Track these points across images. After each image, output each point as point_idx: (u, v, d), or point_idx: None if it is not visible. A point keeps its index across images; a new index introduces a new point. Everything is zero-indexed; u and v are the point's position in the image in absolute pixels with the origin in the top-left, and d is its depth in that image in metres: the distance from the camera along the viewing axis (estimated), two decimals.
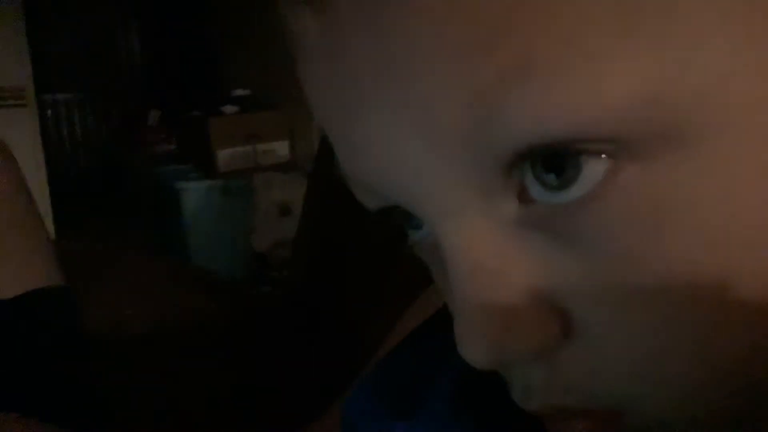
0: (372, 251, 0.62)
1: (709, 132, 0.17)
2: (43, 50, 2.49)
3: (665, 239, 0.17)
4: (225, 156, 2.06)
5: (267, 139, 2.09)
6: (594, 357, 0.20)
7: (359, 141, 0.20)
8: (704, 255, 0.17)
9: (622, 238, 0.18)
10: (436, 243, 0.21)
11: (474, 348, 0.20)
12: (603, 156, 0.17)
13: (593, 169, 0.17)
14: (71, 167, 3.09)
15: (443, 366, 0.28)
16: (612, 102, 0.16)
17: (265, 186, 1.96)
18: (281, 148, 2.13)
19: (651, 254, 0.18)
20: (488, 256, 0.20)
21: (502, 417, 0.24)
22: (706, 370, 0.19)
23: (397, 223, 0.23)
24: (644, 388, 0.20)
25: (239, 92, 2.20)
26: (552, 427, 0.22)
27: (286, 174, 2.02)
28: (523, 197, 0.19)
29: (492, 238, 0.19)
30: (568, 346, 0.20)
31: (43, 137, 2.40)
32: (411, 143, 0.19)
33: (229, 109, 2.11)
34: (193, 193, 2.03)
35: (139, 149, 2.50)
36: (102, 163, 3.00)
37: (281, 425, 0.50)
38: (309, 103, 0.22)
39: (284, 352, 0.60)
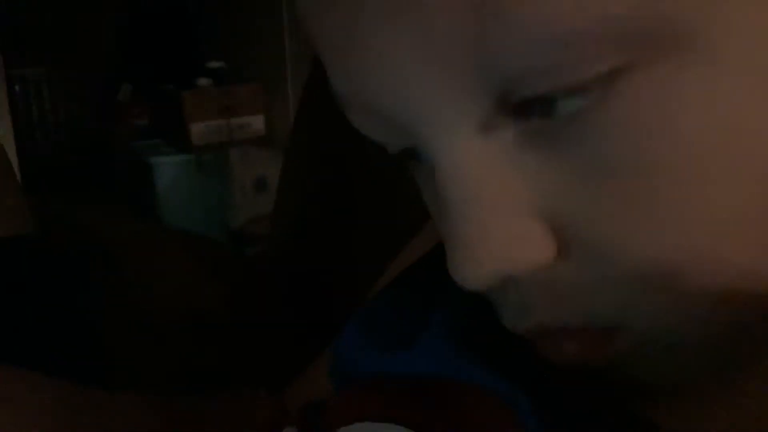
0: (350, 224, 0.61)
1: (707, 34, 0.16)
2: (11, 24, 2.43)
3: (665, 144, 0.17)
4: (199, 130, 2.03)
5: (242, 113, 2.07)
6: (590, 272, 0.20)
7: (358, 60, 0.19)
8: (704, 160, 0.17)
9: (622, 146, 0.17)
10: (432, 167, 0.21)
11: (469, 268, 0.20)
12: (603, 66, 0.17)
13: (592, 80, 0.17)
14: (41, 143, 3.03)
15: (437, 300, 0.27)
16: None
17: (240, 161, 1.94)
18: (257, 123, 2.10)
19: (651, 161, 0.17)
20: (484, 175, 0.19)
21: (498, 348, 0.23)
22: (705, 281, 0.19)
23: (394, 153, 0.23)
24: (641, 302, 0.20)
25: (214, 64, 2.16)
26: (543, 350, 0.22)
27: (262, 149, 2.00)
28: (520, 115, 0.19)
29: (488, 156, 0.19)
30: (564, 263, 0.20)
31: (12, 113, 2.35)
32: (411, 59, 0.18)
33: (203, 81, 2.08)
34: (166, 167, 2.01)
35: (111, 124, 2.46)
36: (73, 139, 2.95)
37: (267, 380, 0.50)
38: (306, 31, 0.21)
39: (267, 313, 0.60)
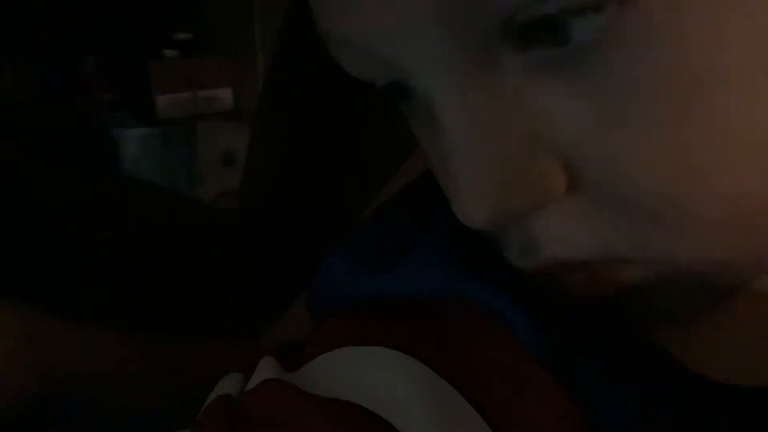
0: (321, 193, 0.60)
1: None
2: None
3: (684, 62, 0.16)
4: (165, 102, 2.00)
5: (210, 86, 2.04)
6: (602, 206, 0.19)
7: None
8: (720, 90, 0.17)
9: (641, 67, 0.17)
10: (428, 105, 0.20)
11: (476, 208, 0.19)
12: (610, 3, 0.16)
13: (601, 16, 0.16)
14: (2, 115, 2.96)
15: (426, 223, 0.26)
16: None
17: (207, 134, 1.91)
18: (225, 96, 2.07)
19: (670, 81, 0.17)
20: (488, 110, 0.18)
21: (492, 267, 0.23)
22: (720, 210, 0.18)
23: (383, 91, 0.22)
24: (653, 234, 0.19)
25: (180, 36, 2.12)
26: (551, 283, 0.22)
27: (230, 122, 1.97)
28: (526, 44, 0.18)
29: (492, 90, 0.18)
30: (574, 197, 0.19)
31: None
32: None
33: (169, 53, 2.04)
34: (131, 141, 1.98)
35: (73, 96, 2.40)
36: (36, 112, 2.89)
37: (244, 327, 0.50)
38: None
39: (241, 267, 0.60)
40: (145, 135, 1.99)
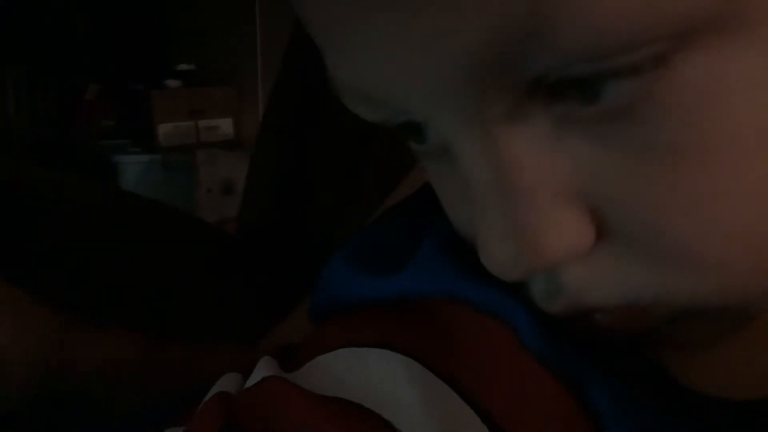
0: (317, 223, 0.61)
1: (756, 15, 0.16)
2: None
3: (716, 126, 0.17)
4: (166, 130, 2.01)
5: (211, 116, 2.05)
6: (630, 256, 0.19)
7: (365, 46, 0.18)
8: (755, 143, 0.17)
9: (672, 129, 0.17)
10: (448, 152, 0.20)
11: (505, 260, 0.19)
12: (658, 47, 0.16)
13: (644, 61, 0.16)
14: (5, 141, 2.97)
15: (427, 230, 0.26)
16: None
17: (207, 162, 1.92)
18: (225, 125, 2.08)
19: (701, 144, 0.17)
20: (518, 165, 0.18)
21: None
22: (747, 261, 0.18)
23: (395, 134, 0.22)
24: (681, 282, 0.19)
25: (183, 66, 2.15)
26: (575, 326, 0.21)
27: (230, 151, 1.98)
28: (556, 99, 0.18)
29: (521, 146, 0.18)
30: (603, 246, 0.19)
31: None
32: (430, 53, 0.17)
33: (172, 83, 2.06)
34: (132, 167, 1.98)
35: (77, 124, 2.42)
36: (38, 138, 2.89)
37: (244, 332, 0.50)
38: (303, 18, 0.20)
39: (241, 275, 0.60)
40: (145, 162, 1.99)
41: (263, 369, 0.23)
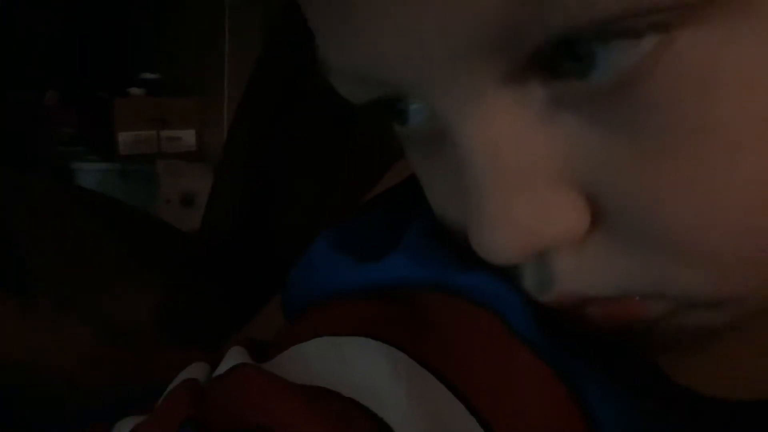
0: (285, 237, 0.60)
1: None
2: None
3: (715, 108, 0.16)
4: (127, 139, 1.98)
5: (173, 126, 2.03)
6: (625, 242, 0.19)
7: (362, 18, 0.17)
8: (751, 130, 0.16)
9: (670, 109, 0.16)
10: (437, 135, 0.20)
11: (497, 244, 0.18)
12: (651, 33, 0.15)
13: (637, 48, 0.16)
14: None
15: (411, 220, 0.25)
16: None
17: (168, 173, 1.89)
18: (188, 137, 2.06)
19: (699, 126, 0.16)
20: (513, 143, 0.18)
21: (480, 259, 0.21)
22: (743, 251, 0.18)
23: (379, 116, 0.21)
24: (677, 272, 0.19)
25: (148, 75, 2.12)
26: (568, 318, 0.21)
27: (191, 163, 1.96)
28: (553, 79, 0.17)
29: (516, 123, 0.18)
30: (597, 232, 0.19)
31: None
32: (431, 18, 0.16)
33: (135, 91, 2.03)
34: (90, 175, 1.94)
35: (35, 130, 2.37)
36: None
37: (207, 335, 0.48)
38: None
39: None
40: (104, 170, 1.96)
41: (233, 357, 0.22)
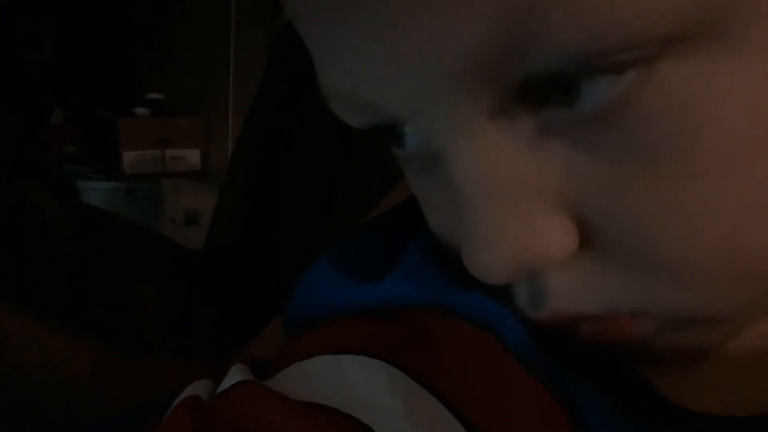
0: (288, 255, 0.61)
1: (740, 24, 0.16)
2: None
3: (698, 135, 0.17)
4: (132, 158, 1.99)
5: (178, 146, 2.04)
6: (614, 263, 0.19)
7: (355, 47, 0.18)
8: (738, 152, 0.17)
9: (653, 137, 0.17)
10: (433, 158, 0.20)
11: (488, 264, 0.19)
12: (640, 52, 0.16)
13: (621, 80, 0.16)
14: None
15: (410, 241, 0.26)
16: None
17: (172, 192, 1.90)
18: (192, 156, 2.07)
19: (683, 152, 0.17)
20: (503, 168, 0.19)
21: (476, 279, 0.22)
22: (729, 270, 0.18)
23: (378, 139, 0.22)
24: (666, 292, 0.19)
25: (153, 95, 2.13)
26: (558, 336, 0.21)
27: (195, 182, 1.96)
28: (541, 108, 0.18)
29: (506, 150, 0.18)
30: (586, 253, 0.19)
31: None
32: (421, 51, 0.17)
33: (140, 111, 2.04)
34: (95, 193, 1.95)
35: (41, 149, 2.38)
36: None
37: (210, 353, 0.49)
38: (291, 16, 0.20)
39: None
40: (109, 189, 1.96)
41: (236, 375, 0.22)
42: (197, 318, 0.55)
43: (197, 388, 0.23)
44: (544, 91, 0.18)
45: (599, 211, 0.19)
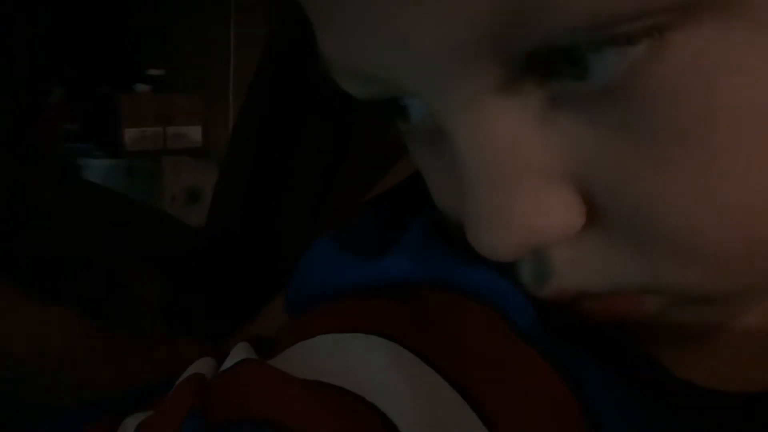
0: (290, 234, 0.61)
1: None
2: None
3: (709, 108, 0.16)
4: (133, 135, 1.98)
5: (179, 123, 2.03)
6: (620, 240, 0.19)
7: (359, 20, 0.17)
8: (749, 127, 0.17)
9: (664, 110, 0.16)
10: (438, 132, 0.20)
11: (494, 240, 0.19)
12: (649, 20, 0.15)
13: (631, 51, 0.16)
14: None
15: (413, 218, 0.26)
16: None
17: (173, 170, 1.90)
18: (193, 133, 2.06)
19: (693, 126, 0.17)
20: (509, 144, 0.18)
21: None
22: (740, 246, 0.18)
23: (381, 112, 0.22)
24: (671, 269, 0.19)
25: (153, 72, 2.12)
26: (563, 311, 0.21)
27: (196, 159, 1.96)
28: (549, 81, 0.18)
29: (512, 124, 0.18)
30: (593, 229, 0.19)
31: None
32: (426, 25, 0.16)
33: (140, 87, 2.03)
34: (96, 171, 1.95)
35: (38, 126, 2.37)
36: None
37: (209, 332, 0.49)
38: None
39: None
40: (110, 166, 1.96)
41: (239, 353, 0.22)
42: (196, 297, 0.55)
43: (200, 366, 0.23)
44: (552, 64, 0.17)
45: (607, 186, 0.18)
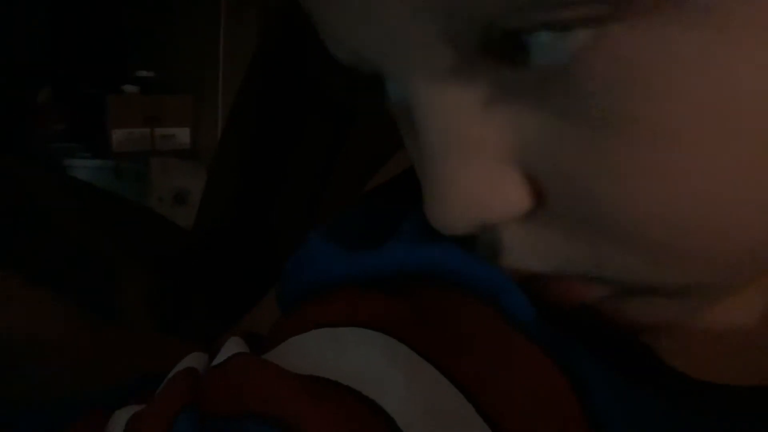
0: (279, 233, 0.61)
1: None
2: None
3: (648, 100, 0.17)
4: (120, 136, 1.97)
5: (167, 124, 2.02)
6: (565, 223, 0.20)
7: (338, 6, 0.18)
8: (688, 120, 0.17)
9: (602, 99, 0.17)
10: (408, 108, 0.21)
11: (441, 212, 0.20)
12: (581, 27, 0.16)
13: (568, 39, 0.16)
14: None
15: (404, 213, 0.26)
16: None
17: (161, 171, 1.89)
18: (182, 135, 2.06)
19: (631, 117, 0.17)
20: (462, 121, 0.19)
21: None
22: (675, 241, 0.18)
23: (366, 84, 0.22)
24: (614, 256, 0.20)
25: (142, 73, 2.11)
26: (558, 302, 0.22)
27: (184, 161, 1.95)
28: (499, 66, 0.18)
29: (465, 105, 0.19)
30: (540, 212, 0.20)
31: None
32: (387, 12, 0.18)
33: (129, 88, 2.02)
34: (83, 172, 1.94)
35: (25, 126, 2.36)
36: None
37: (198, 330, 0.49)
38: None
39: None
40: (97, 167, 1.95)
41: (232, 347, 0.22)
42: (187, 296, 0.54)
43: (192, 360, 0.23)
44: (501, 49, 0.18)
45: (551, 171, 0.19)
